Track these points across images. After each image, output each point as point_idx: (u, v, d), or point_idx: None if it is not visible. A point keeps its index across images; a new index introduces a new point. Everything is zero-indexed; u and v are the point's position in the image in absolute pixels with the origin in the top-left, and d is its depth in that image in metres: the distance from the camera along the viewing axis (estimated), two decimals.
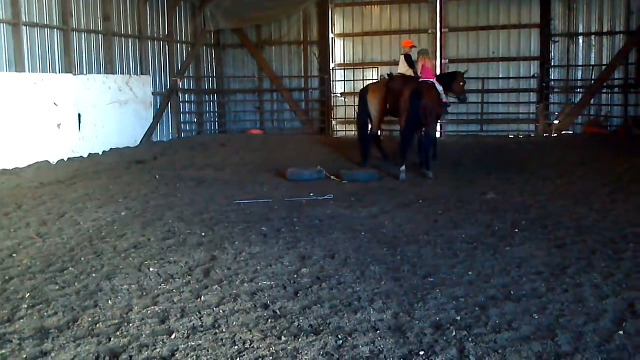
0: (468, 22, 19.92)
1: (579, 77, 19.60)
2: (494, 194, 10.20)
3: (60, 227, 8.27)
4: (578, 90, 19.57)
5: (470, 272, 6.09)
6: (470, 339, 4.52)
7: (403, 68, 14.40)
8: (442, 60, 20.08)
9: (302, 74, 21.49)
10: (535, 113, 19.71)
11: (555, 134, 18.98)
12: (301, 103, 21.77)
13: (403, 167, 12.12)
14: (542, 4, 19.24)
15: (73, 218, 8.80)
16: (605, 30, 19.00)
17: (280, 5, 20.20)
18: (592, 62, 19.16)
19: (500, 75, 19.77)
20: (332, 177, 12.03)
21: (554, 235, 7.49)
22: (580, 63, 19.34)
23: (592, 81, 19.14)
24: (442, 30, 20.05)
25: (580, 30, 19.25)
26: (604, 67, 18.92)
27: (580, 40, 19.32)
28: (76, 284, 5.92)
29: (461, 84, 14.48)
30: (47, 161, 13.69)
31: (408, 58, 14.42)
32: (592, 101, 19.33)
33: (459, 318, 4.92)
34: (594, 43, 19.20)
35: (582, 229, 7.81)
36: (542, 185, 11.11)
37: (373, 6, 20.76)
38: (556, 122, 19.52)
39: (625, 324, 4.73)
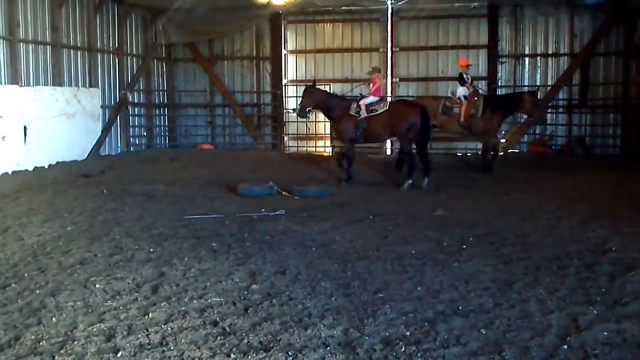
0: (418, 41, 20.25)
1: None
2: (443, 210, 10.34)
3: (4, 243, 8.04)
4: None
5: (419, 288, 6.16)
6: (419, 355, 4.56)
7: (461, 87, 15.19)
8: (393, 79, 20.37)
9: (255, 90, 21.47)
10: None
11: (502, 153, 19.36)
12: (253, 118, 21.73)
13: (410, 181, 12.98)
14: (489, 25, 19.69)
15: (17, 233, 8.57)
16: (550, 52, 19.57)
17: (233, 21, 20.14)
18: (538, 83, 19.66)
19: (449, 95, 20.08)
20: (283, 192, 12.01)
21: (501, 252, 7.64)
22: (526, 83, 19.82)
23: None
24: (393, 49, 20.35)
25: (527, 51, 19.77)
26: (549, 88, 19.47)
27: (527, 62, 19.85)
28: (19, 300, 5.75)
29: (529, 104, 14.88)
30: None
31: (460, 77, 15.29)
32: None
33: (408, 333, 4.95)
34: (539, 64, 19.75)
35: (528, 245, 7.98)
36: (489, 202, 11.32)
37: (325, 24, 20.93)
38: (503, 141, 19.93)
39: (569, 339, 4.84)
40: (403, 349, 4.65)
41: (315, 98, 13.63)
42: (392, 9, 19.93)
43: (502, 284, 6.27)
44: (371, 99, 13.43)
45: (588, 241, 8.18)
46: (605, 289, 6.10)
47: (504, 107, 15.49)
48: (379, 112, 13.19)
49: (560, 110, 19.80)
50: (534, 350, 4.63)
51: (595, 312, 5.43)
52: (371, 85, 13.72)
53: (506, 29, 19.77)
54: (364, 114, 13.19)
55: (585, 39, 19.07)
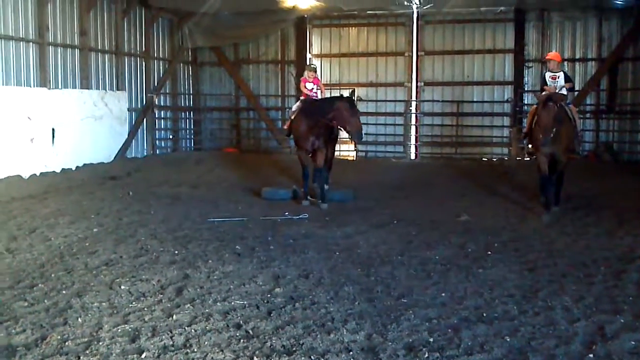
0: (444, 46, 20.15)
1: None
2: (467, 216, 10.27)
3: (31, 243, 8.15)
4: None
5: (443, 294, 6.12)
6: None
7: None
8: (418, 84, 20.30)
9: (280, 94, 21.54)
10: (508, 137, 19.92)
11: (528, 158, 19.16)
12: (278, 122, 21.80)
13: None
14: (516, 30, 19.54)
15: (44, 234, 8.68)
16: (577, 57, 19.35)
17: (259, 25, 20.28)
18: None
19: (474, 99, 19.99)
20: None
21: (526, 258, 7.56)
22: None
23: None
24: (418, 53, 20.28)
25: None
26: (576, 93, 19.23)
27: None
28: (46, 301, 5.83)
29: None
30: (19, 176, 13.48)
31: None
32: None
33: (431, 340, 4.92)
34: (566, 69, 19.50)
35: (553, 252, 7.90)
36: (514, 208, 11.22)
37: (351, 28, 20.93)
38: (529, 146, 19.71)
39: (595, 347, 4.78)
40: (426, 355, 4.63)
41: None
42: (417, 13, 19.89)
43: (527, 291, 6.22)
44: None
45: (615, 248, 8.07)
46: (633, 297, 6.01)
47: None
48: None
49: (588, 115, 19.56)
50: (559, 359, 4.57)
51: (622, 320, 5.36)
52: (313, 84, 12.42)
53: (533, 33, 19.58)
54: None
55: (614, 44, 18.82)
